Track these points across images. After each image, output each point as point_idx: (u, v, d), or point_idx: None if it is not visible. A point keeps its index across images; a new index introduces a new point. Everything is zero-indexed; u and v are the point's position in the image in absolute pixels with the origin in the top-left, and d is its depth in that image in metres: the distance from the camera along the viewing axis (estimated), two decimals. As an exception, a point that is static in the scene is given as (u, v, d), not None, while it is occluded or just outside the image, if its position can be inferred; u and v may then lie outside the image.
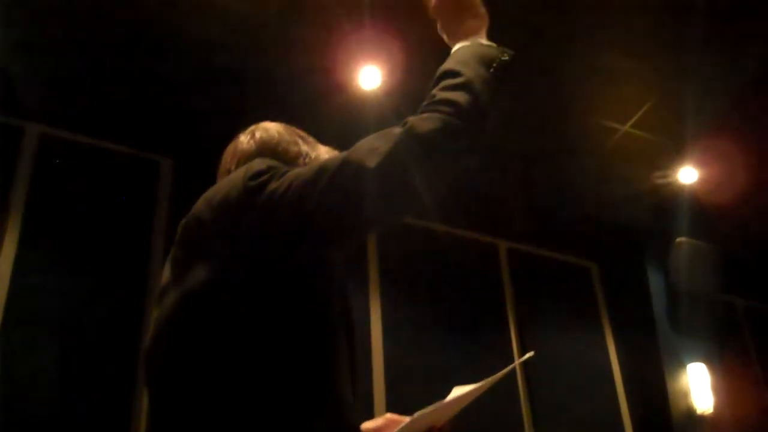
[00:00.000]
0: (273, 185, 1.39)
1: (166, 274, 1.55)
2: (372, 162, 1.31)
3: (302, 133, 1.80)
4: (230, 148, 1.77)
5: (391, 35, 4.30)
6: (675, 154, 5.42)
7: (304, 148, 1.75)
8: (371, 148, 1.34)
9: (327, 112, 4.70)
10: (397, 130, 1.36)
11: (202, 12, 4.16)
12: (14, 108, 4.54)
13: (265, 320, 1.39)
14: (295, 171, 1.41)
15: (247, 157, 1.69)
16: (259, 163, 1.48)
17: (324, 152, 1.77)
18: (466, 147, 1.37)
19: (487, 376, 1.57)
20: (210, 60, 4.46)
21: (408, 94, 4.60)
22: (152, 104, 4.72)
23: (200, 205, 1.52)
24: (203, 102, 4.71)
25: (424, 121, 1.35)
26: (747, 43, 4.53)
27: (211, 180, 1.80)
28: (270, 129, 1.78)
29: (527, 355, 1.77)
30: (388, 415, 1.63)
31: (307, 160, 1.71)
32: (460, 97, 1.39)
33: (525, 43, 4.45)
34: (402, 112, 4.65)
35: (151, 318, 1.55)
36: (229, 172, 1.68)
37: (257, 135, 1.76)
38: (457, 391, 1.54)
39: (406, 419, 1.51)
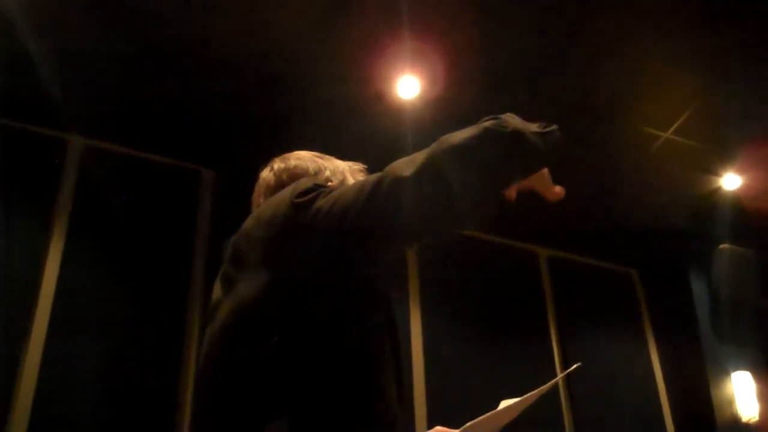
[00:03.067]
0: (319, 203, 1.42)
1: (217, 290, 1.59)
2: (408, 171, 1.33)
3: (317, 153, 1.85)
4: (256, 187, 1.83)
5: (430, 45, 4.31)
6: (718, 160, 5.36)
7: (322, 163, 1.80)
8: (408, 160, 1.36)
9: (365, 122, 4.72)
10: (434, 144, 1.37)
11: (243, 26, 4.21)
12: (58, 121, 4.63)
13: (313, 332, 1.41)
14: (341, 190, 1.44)
15: (272, 187, 1.75)
16: (305, 182, 1.52)
17: (340, 164, 1.82)
18: (506, 155, 1.36)
19: (529, 384, 1.57)
20: (250, 72, 4.50)
21: (446, 103, 4.61)
22: (193, 115, 4.77)
23: (249, 222, 1.57)
24: (244, 113, 4.75)
25: (462, 131, 1.37)
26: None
27: (253, 188, 1.84)
28: (287, 157, 1.83)
29: (574, 367, 1.77)
30: (438, 428, 1.63)
31: (327, 173, 1.77)
32: (505, 115, 1.40)
33: (565, 48, 4.44)
34: (440, 121, 4.68)
35: (206, 334, 1.58)
36: (258, 206, 1.72)
37: (275, 166, 1.81)
38: (505, 403, 1.55)
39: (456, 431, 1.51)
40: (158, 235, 4.76)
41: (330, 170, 1.78)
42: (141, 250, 4.65)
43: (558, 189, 1.64)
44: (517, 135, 1.37)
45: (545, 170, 1.60)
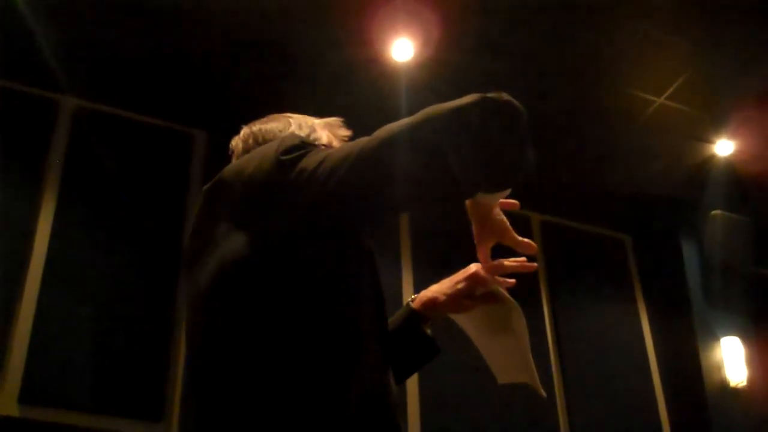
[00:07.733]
0: (305, 162, 1.38)
1: (193, 244, 1.57)
2: (399, 134, 1.31)
3: (290, 114, 1.81)
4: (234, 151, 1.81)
5: (425, 7, 4.29)
6: (711, 126, 5.36)
7: (289, 120, 1.77)
8: (400, 124, 1.34)
9: (359, 84, 4.71)
10: (426, 109, 1.35)
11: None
12: (50, 81, 4.59)
13: (298, 290, 1.40)
14: (328, 150, 1.41)
15: (239, 155, 1.73)
16: (291, 139, 1.48)
17: (310, 119, 1.80)
18: (500, 122, 1.34)
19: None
20: (244, 34, 4.48)
21: (441, 66, 4.58)
22: (186, 77, 4.75)
23: (228, 175, 1.53)
24: (237, 75, 4.73)
25: (459, 99, 1.34)
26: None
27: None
28: (254, 123, 1.80)
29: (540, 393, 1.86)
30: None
31: (292, 127, 1.74)
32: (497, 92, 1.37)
33: (560, 13, 4.42)
34: (434, 84, 4.65)
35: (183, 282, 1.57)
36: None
37: (243, 132, 1.79)
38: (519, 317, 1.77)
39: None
40: (150, 197, 4.75)
41: (297, 123, 1.75)
42: (133, 213, 4.64)
43: (527, 241, 1.73)
44: (512, 104, 1.35)
45: (508, 227, 1.78)
